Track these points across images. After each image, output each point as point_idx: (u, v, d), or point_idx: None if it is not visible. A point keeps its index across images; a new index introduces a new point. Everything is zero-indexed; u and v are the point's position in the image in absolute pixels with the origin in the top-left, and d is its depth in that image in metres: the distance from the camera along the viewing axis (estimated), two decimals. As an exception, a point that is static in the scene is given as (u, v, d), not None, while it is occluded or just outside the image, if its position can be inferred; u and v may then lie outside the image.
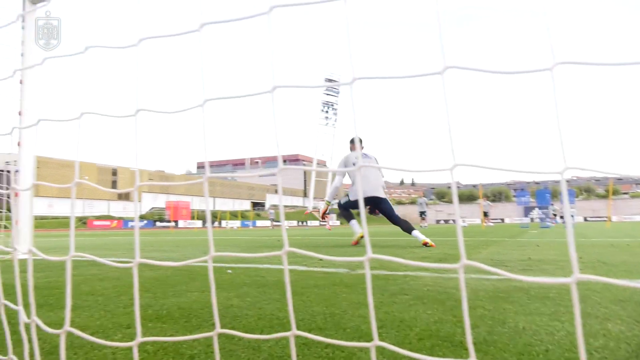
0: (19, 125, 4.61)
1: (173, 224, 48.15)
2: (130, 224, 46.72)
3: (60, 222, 44.07)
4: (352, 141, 7.03)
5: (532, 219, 24.82)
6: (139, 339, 0.72)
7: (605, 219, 56.06)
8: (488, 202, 23.04)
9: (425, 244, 5.97)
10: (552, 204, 24.57)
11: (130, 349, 1.35)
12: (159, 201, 61.38)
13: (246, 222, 52.88)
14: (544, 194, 23.67)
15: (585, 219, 67.39)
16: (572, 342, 1.36)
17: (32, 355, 1.23)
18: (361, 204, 0.63)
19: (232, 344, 1.40)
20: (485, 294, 2.22)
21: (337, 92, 73.76)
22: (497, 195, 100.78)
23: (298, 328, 1.25)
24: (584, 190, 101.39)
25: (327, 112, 73.12)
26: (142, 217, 52.45)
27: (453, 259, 4.20)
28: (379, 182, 6.52)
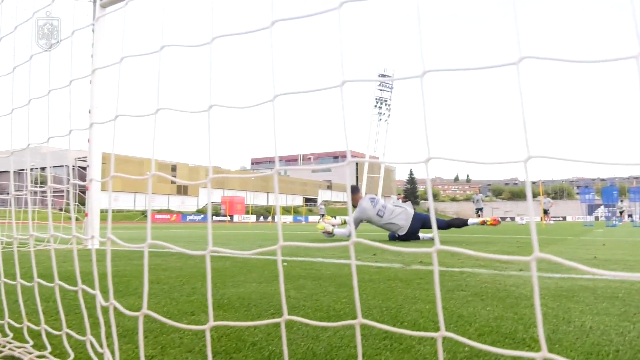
0: (89, 123, 4.90)
1: (228, 218, 49.48)
2: (188, 217, 48.48)
3: (125, 215, 46.37)
4: (355, 190, 6.98)
5: (597, 217, 23.55)
6: (212, 322, 0.76)
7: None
8: (549, 199, 22.02)
9: (484, 223, 6.13)
10: (620, 201, 23.20)
11: (194, 334, 1.42)
12: (215, 196, 63.21)
13: (298, 217, 53.49)
14: (610, 191, 22.39)
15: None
16: (644, 344, 1.30)
17: (108, 336, 1.33)
18: (433, 223, 0.62)
19: (291, 332, 1.44)
20: (548, 292, 2.15)
21: (391, 88, 72.89)
22: (559, 192, 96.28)
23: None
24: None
25: (380, 107, 72.44)
26: (198, 212, 54.27)
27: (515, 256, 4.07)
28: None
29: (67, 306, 1.84)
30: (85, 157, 5.23)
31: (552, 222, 24.85)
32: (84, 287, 1.17)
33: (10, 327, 1.45)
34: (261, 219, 53.21)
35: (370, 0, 0.67)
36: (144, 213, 47.44)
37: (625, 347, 1.26)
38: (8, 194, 1.46)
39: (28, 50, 1.40)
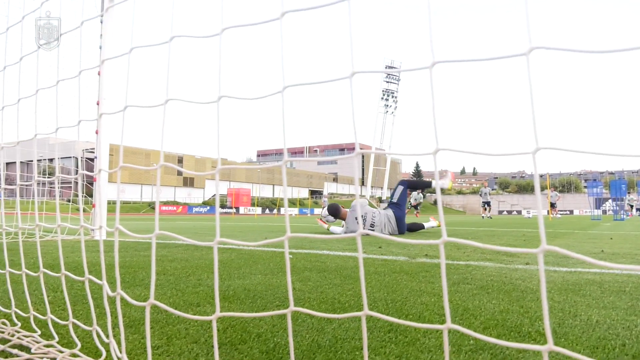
0: (97, 114, 4.92)
1: (234, 210, 49.65)
2: (194, 209, 48.72)
3: (132, 207, 46.63)
4: (338, 211, 6.81)
5: (604, 211, 23.40)
6: (218, 313, 0.77)
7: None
8: (556, 192, 21.88)
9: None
10: (629, 194, 23.04)
11: (200, 325, 1.43)
12: (221, 188, 63.43)
13: (304, 210, 53.59)
14: (619, 185, 22.22)
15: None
16: (651, 339, 1.29)
17: (115, 326, 1.34)
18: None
19: (296, 324, 1.44)
20: (554, 285, 2.14)
21: (398, 80, 72.56)
22: (566, 185, 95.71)
23: (362, 312, 1.27)
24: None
25: (387, 99, 72.15)
26: (205, 204, 54.47)
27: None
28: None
29: (74, 296, 1.85)
30: (93, 149, 5.25)
31: (559, 215, 24.72)
32: (91, 277, 1.17)
33: (18, 316, 1.46)
34: (267, 211, 53.35)
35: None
36: (150, 204, 47.72)
37: (631, 341, 1.26)
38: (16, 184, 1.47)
39: (36, 40, 1.40)
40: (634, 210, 25.76)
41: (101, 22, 4.94)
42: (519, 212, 61.23)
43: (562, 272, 2.57)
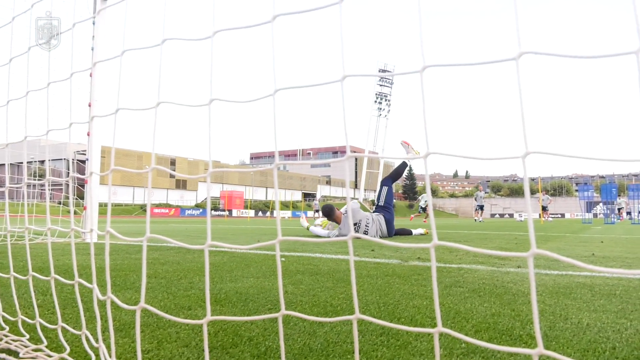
0: (88, 116, 4.89)
1: (227, 212, 49.50)
2: (187, 212, 48.52)
3: (124, 209, 46.38)
4: (331, 212, 6.70)
5: (595, 215, 23.59)
6: (209, 317, 0.76)
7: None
8: (547, 196, 22.03)
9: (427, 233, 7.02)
10: (619, 198, 23.24)
11: (191, 329, 1.42)
12: (214, 191, 63.24)
13: (297, 212, 53.55)
14: (609, 189, 22.41)
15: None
16: (641, 342, 1.30)
17: (104, 330, 1.33)
18: None
19: (288, 328, 1.44)
20: (545, 289, 2.15)
21: (391, 83, 72.91)
22: (558, 189, 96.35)
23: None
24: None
25: (380, 103, 72.45)
26: (197, 206, 54.30)
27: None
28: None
29: (64, 300, 1.83)
30: (85, 151, 5.21)
31: (550, 219, 24.89)
32: (80, 280, 1.16)
33: (6, 320, 1.45)
34: (260, 213, 53.23)
35: (370, -6, 0.66)
36: (142, 207, 47.47)
37: (622, 345, 1.27)
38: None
39: (26, 41, 1.39)
40: (624, 213, 25.99)
41: (93, 23, 4.92)
42: (511, 215, 61.54)
43: (553, 275, 2.58)
